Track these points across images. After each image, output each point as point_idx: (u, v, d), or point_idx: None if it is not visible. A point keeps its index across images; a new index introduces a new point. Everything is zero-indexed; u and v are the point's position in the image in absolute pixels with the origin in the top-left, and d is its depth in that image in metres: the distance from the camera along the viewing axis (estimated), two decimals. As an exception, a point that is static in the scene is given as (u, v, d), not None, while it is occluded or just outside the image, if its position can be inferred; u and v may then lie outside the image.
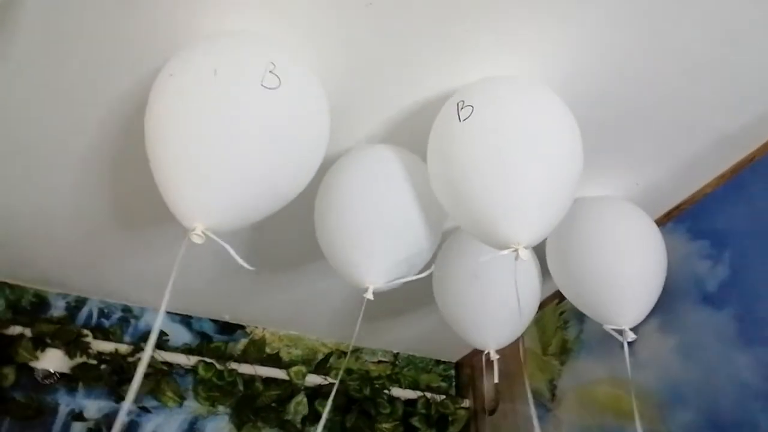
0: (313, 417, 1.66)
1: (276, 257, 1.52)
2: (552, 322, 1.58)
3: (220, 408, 1.63)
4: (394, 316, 1.86)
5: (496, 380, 1.11)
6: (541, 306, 1.65)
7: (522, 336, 1.70)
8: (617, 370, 1.26)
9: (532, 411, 1.14)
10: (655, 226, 1.12)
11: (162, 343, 1.64)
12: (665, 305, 1.17)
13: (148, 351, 0.88)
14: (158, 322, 0.77)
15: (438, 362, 2.08)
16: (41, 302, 1.56)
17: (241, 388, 1.60)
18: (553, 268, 1.17)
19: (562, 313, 1.54)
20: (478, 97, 0.86)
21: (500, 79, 0.91)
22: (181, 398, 1.60)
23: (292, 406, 1.63)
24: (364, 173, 0.97)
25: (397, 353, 2.04)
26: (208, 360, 1.61)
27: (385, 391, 1.79)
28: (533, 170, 0.79)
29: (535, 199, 0.78)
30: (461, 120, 0.83)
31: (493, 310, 1.13)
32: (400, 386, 1.88)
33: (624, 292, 1.03)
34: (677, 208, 1.23)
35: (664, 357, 1.14)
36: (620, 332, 1.05)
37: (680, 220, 1.21)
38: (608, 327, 1.04)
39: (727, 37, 0.88)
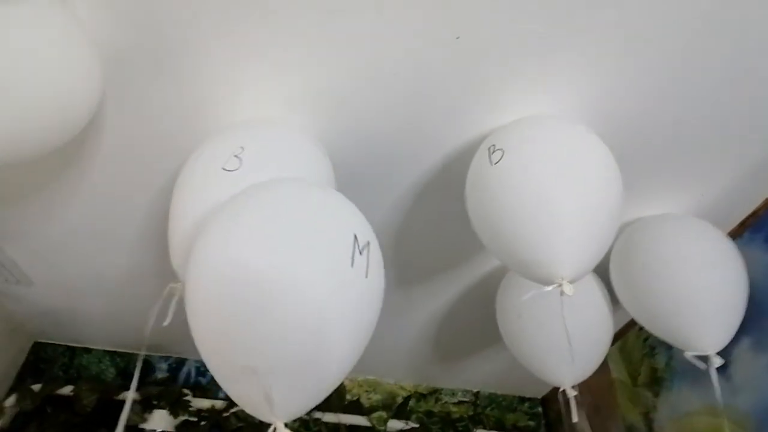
0: (399, 463, 1.66)
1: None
2: (637, 349, 1.48)
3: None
4: (470, 353, 1.84)
5: (575, 419, 1.06)
6: (623, 332, 1.57)
7: (609, 366, 1.63)
8: (713, 397, 1.15)
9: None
10: (727, 238, 1.05)
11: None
12: (755, 322, 1.07)
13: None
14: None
15: (522, 399, 2.00)
16: (147, 366, 1.73)
17: (325, 437, 1.65)
18: (621, 295, 1.13)
19: (646, 339, 1.45)
20: (507, 139, 0.88)
21: (529, 119, 0.93)
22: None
23: (374, 453, 1.64)
24: None
25: (478, 392, 2.00)
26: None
27: (468, 433, 1.75)
28: (568, 203, 0.79)
29: (573, 232, 0.77)
30: (493, 164, 0.86)
31: (561, 346, 1.10)
32: (484, 427, 1.83)
33: (702, 314, 0.97)
34: (753, 215, 1.14)
35: (759, 377, 1.04)
36: (705, 359, 0.97)
37: (756, 229, 1.12)
38: (689, 354, 0.97)
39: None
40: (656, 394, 1.37)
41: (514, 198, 0.82)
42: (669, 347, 1.34)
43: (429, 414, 1.83)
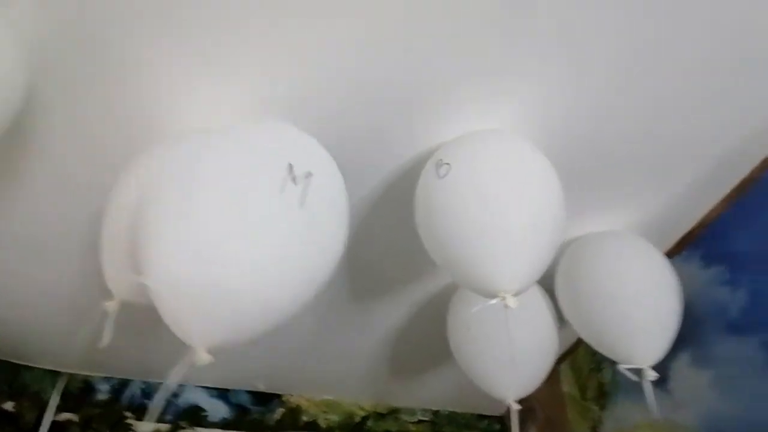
0: (353, 485, 1.63)
1: (306, 315, 1.57)
2: (586, 364, 1.51)
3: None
4: (428, 370, 1.84)
5: (515, 431, 1.07)
6: (574, 348, 1.60)
7: (561, 381, 1.65)
8: (655, 411, 1.19)
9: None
10: (661, 256, 1.09)
11: (200, 419, 1.69)
12: (693, 338, 1.11)
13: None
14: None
15: (482, 417, 2.01)
16: (88, 387, 1.66)
17: (278, 459, 1.61)
18: (567, 310, 1.15)
19: (594, 354, 1.48)
20: (455, 154, 0.90)
21: (476, 134, 0.95)
22: (221, 474, 1.62)
23: (331, 474, 1.61)
24: None
25: (437, 411, 1.99)
26: (245, 433, 1.64)
27: (426, 453, 1.74)
28: (510, 218, 0.81)
29: (515, 246, 0.80)
30: (440, 177, 0.88)
31: (506, 360, 1.11)
32: (441, 446, 1.82)
33: (636, 329, 1.00)
34: (690, 234, 1.20)
35: (702, 393, 1.08)
36: (639, 372, 1.00)
37: (694, 247, 1.17)
38: (623, 367, 1.00)
39: (709, 64, 0.89)
40: (602, 408, 1.39)
41: (459, 212, 0.83)
42: (614, 362, 1.37)
43: (387, 434, 1.81)
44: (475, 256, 0.81)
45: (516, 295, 0.80)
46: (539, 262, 0.83)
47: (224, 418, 1.75)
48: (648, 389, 0.98)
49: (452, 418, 1.98)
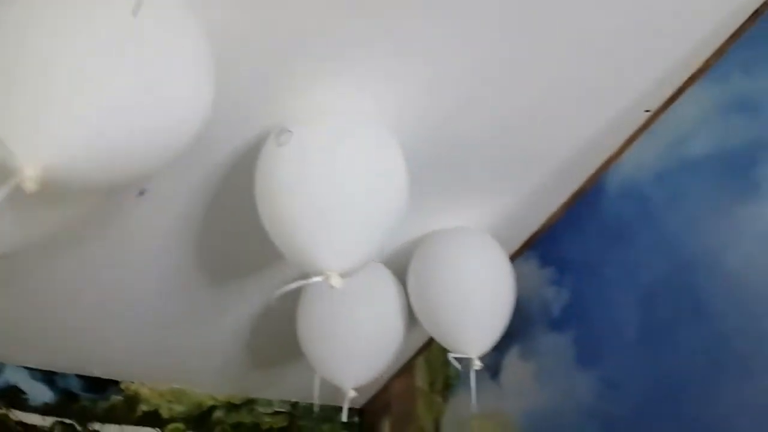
0: (192, 479, 1.52)
1: (152, 301, 1.44)
2: (438, 358, 1.56)
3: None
4: (286, 361, 1.78)
5: (344, 419, 1.06)
6: (431, 343, 1.64)
7: (415, 374, 1.69)
8: (488, 402, 1.25)
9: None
10: (503, 254, 1.15)
11: (19, 402, 1.48)
12: (523, 333, 1.18)
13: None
14: None
15: (339, 409, 1.99)
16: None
17: (104, 452, 1.46)
18: (413, 300, 1.17)
19: (446, 348, 1.53)
20: (297, 124, 0.86)
21: (327, 113, 0.92)
22: (35, 464, 1.44)
23: (165, 468, 1.49)
24: None
25: (296, 403, 1.94)
26: (67, 421, 1.47)
27: (276, 445, 1.68)
28: (342, 196, 0.79)
29: (349, 227, 0.78)
30: (279, 145, 0.83)
31: (348, 347, 1.10)
32: (295, 438, 1.78)
33: (469, 321, 1.04)
34: (533, 237, 1.27)
35: (523, 386, 1.15)
36: (466, 361, 1.04)
37: (534, 248, 1.25)
38: (452, 356, 1.03)
39: (548, 82, 0.94)
40: (445, 400, 1.44)
41: (291, 184, 0.80)
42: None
43: (238, 426, 1.72)
44: (302, 231, 0.77)
45: (343, 275, 0.78)
46: (369, 244, 0.82)
47: (46, 403, 1.55)
48: (473, 378, 1.02)
49: (310, 409, 1.94)
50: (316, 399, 1.12)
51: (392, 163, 0.88)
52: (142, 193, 1.04)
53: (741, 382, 0.70)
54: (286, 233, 0.81)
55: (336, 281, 0.76)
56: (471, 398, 1.32)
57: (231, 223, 1.19)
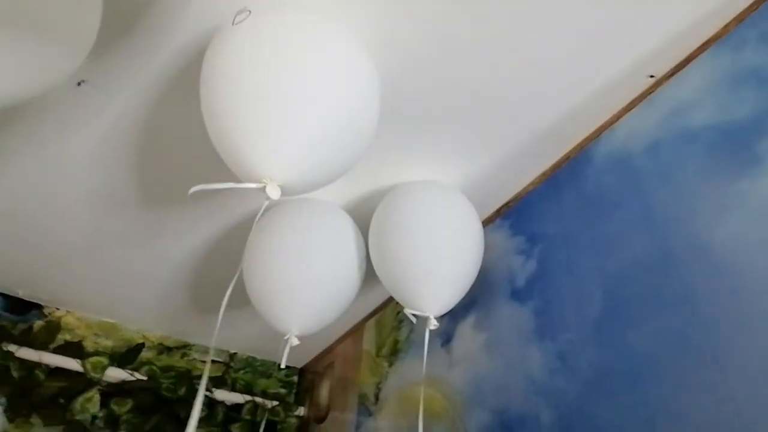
0: (108, 417, 1.42)
1: (86, 219, 1.30)
2: (389, 322, 1.49)
3: (-6, 398, 1.34)
4: (231, 308, 1.68)
5: (283, 365, 0.98)
6: (383, 307, 1.58)
7: (363, 338, 1.62)
8: (435, 370, 1.19)
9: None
10: (475, 215, 1.08)
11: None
12: (482, 301, 1.12)
13: None
14: None
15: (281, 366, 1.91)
16: None
17: (15, 375, 1.33)
18: (373, 253, 1.09)
19: (398, 313, 1.46)
20: (260, 7, 0.74)
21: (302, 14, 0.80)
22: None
23: (78, 402, 1.38)
24: None
25: (235, 353, 1.85)
26: (-21, 338, 1.33)
27: (207, 393, 1.59)
28: (296, 96, 0.68)
29: (299, 135, 0.67)
30: (234, 23, 0.71)
31: (298, 291, 1.01)
32: (228, 389, 1.69)
33: (432, 280, 0.96)
34: (506, 205, 1.21)
35: (474, 354, 1.09)
36: (423, 319, 0.97)
37: (506, 216, 1.18)
38: (409, 311, 0.96)
39: (537, 34, 0.86)
40: (391, 365, 1.38)
41: (239, 69, 0.68)
42: (412, 321, 1.36)
43: (168, 369, 1.62)
44: (242, 127, 0.66)
45: (284, 188, 0.67)
46: (321, 159, 0.70)
47: (-43, 318, 1.41)
48: (427, 337, 0.95)
49: (250, 363, 1.85)
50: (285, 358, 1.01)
51: (361, 69, 0.76)
52: (80, 83, 0.91)
53: (711, 371, 0.65)
54: (224, 127, 0.69)
55: (273, 191, 0.65)
56: (421, 362, 1.26)
57: (179, 135, 1.06)
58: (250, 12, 0.69)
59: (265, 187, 0.64)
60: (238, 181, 0.67)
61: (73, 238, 1.33)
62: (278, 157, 0.65)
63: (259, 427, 1.62)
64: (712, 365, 0.65)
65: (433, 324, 0.95)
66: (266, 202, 0.66)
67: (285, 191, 0.66)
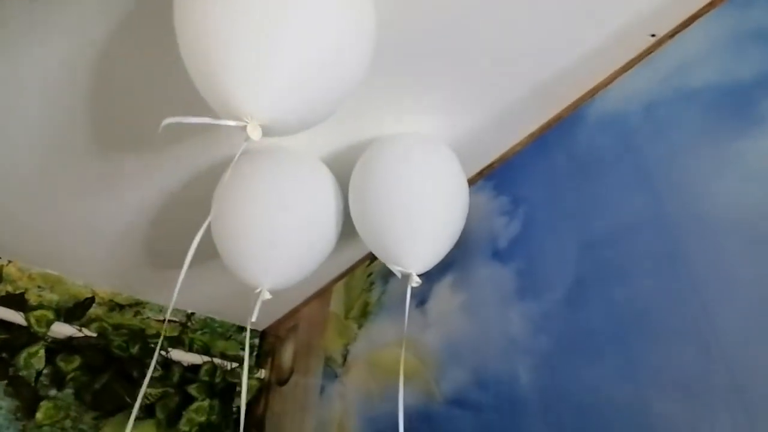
0: (54, 374, 1.32)
1: (32, 163, 1.17)
2: (360, 284, 1.45)
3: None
4: (193, 268, 1.59)
5: (254, 319, 0.92)
6: (352, 269, 1.54)
7: (331, 300, 1.58)
8: (409, 331, 1.16)
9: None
10: (461, 171, 1.04)
11: None
12: (460, 263, 1.10)
13: None
14: None
15: (241, 329, 1.85)
16: None
17: (-54, 328, 1.20)
18: (353, 203, 1.04)
19: (370, 274, 1.43)
20: None
21: None
22: None
23: (23, 357, 1.27)
24: None
25: (192, 313, 1.77)
26: None
27: (162, 353, 1.51)
28: (289, 33, 0.61)
29: (285, 71, 0.61)
30: None
31: (271, 243, 0.95)
32: (185, 349, 1.61)
33: (415, 236, 0.92)
34: (489, 166, 1.18)
35: (450, 315, 1.07)
36: (406, 276, 0.93)
37: (490, 177, 1.16)
38: (396, 267, 0.92)
39: None
40: (360, 326, 1.35)
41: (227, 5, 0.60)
42: (385, 282, 1.33)
43: (119, 327, 1.52)
44: (227, 61, 0.59)
45: (264, 127, 0.61)
46: (306, 94, 0.65)
47: None
48: (409, 294, 0.92)
49: (208, 324, 1.78)
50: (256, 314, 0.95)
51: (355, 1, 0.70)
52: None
53: (701, 329, 0.65)
54: (203, 60, 0.62)
55: (254, 132, 0.60)
56: (393, 324, 1.24)
57: (142, 68, 0.96)
58: None
59: (246, 126, 0.58)
60: (216, 118, 0.60)
61: (16, 180, 1.20)
62: (261, 94, 0.59)
63: (216, 388, 1.56)
64: (703, 323, 0.65)
65: (416, 281, 0.92)
66: (245, 144, 0.59)
67: (267, 131, 0.60)
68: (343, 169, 1.13)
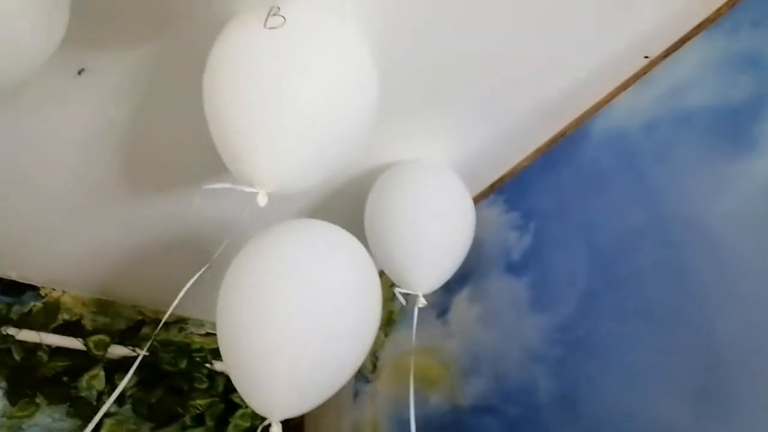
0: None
1: (77, 199, 1.29)
2: (384, 293, 1.53)
3: (-6, 381, 1.36)
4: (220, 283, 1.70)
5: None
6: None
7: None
8: (432, 340, 1.24)
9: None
10: (465, 193, 1.10)
11: None
12: (477, 275, 1.16)
13: None
14: None
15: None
16: None
17: (17, 357, 1.34)
18: (367, 227, 1.11)
19: (391, 285, 1.50)
20: (294, 11, 0.73)
21: (323, 12, 0.79)
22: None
23: (85, 380, 1.40)
24: None
25: (231, 325, 1.89)
26: (-23, 324, 1.33)
27: (207, 365, 1.63)
28: (304, 115, 0.69)
29: (297, 149, 0.69)
30: (266, 26, 0.71)
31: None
32: (227, 360, 1.73)
33: (420, 258, 1.00)
34: (500, 180, 1.23)
35: (470, 325, 1.14)
36: (412, 298, 1.01)
37: (500, 192, 1.21)
38: (398, 290, 1.00)
39: (533, 13, 0.87)
40: (386, 335, 1.43)
41: (266, 71, 0.69)
42: (405, 294, 1.41)
43: (166, 343, 1.65)
44: (245, 135, 0.68)
45: (271, 194, 0.71)
46: (312, 167, 0.75)
47: (-45, 305, 1.40)
48: (415, 315, 0.99)
49: (246, 334, 1.90)
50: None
51: (362, 90, 0.78)
52: (80, 72, 0.89)
53: (702, 340, 0.70)
54: (225, 129, 0.71)
55: (262, 199, 0.69)
56: (412, 335, 1.32)
57: (173, 121, 1.05)
58: (285, 19, 0.69)
59: (257, 193, 0.66)
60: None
61: (65, 219, 1.32)
62: (272, 168, 0.68)
63: (259, 395, 1.68)
64: (704, 334, 0.70)
65: (422, 302, 0.99)
66: (254, 204, 0.69)
67: (273, 196, 0.70)
68: (357, 196, 1.21)
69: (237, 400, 1.62)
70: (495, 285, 1.11)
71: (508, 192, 1.19)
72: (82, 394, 1.41)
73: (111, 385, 1.44)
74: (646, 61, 0.91)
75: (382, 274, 1.56)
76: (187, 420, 1.54)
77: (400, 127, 1.12)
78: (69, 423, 1.39)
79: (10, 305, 1.46)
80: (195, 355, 1.62)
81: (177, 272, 1.60)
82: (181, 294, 0.93)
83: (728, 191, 0.72)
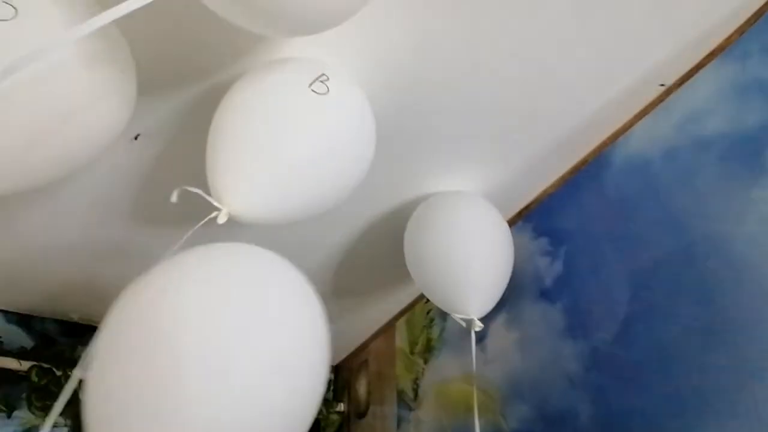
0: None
1: (136, 245, 1.39)
2: (420, 321, 1.57)
3: (59, 419, 1.46)
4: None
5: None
6: (412, 305, 1.66)
7: (395, 335, 1.71)
8: (470, 366, 1.27)
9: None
10: (502, 220, 1.14)
11: (-5, 346, 1.46)
12: (511, 301, 1.19)
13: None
14: None
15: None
16: None
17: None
18: (409, 261, 1.16)
19: (429, 311, 1.54)
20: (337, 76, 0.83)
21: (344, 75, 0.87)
22: (11, 408, 1.42)
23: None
24: None
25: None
26: (45, 365, 1.44)
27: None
28: (288, 158, 0.78)
29: (257, 175, 0.75)
30: (311, 88, 0.79)
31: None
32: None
33: (472, 283, 1.03)
34: (527, 207, 1.27)
35: (508, 352, 1.17)
36: (469, 322, 1.05)
37: (528, 219, 1.25)
38: (457, 316, 1.03)
39: (552, 48, 0.92)
40: (426, 362, 1.46)
41: (237, 121, 0.78)
42: (444, 319, 1.44)
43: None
44: (223, 160, 0.77)
45: (233, 217, 0.75)
46: (285, 200, 0.79)
47: (23, 347, 1.52)
48: (473, 339, 1.03)
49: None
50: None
51: (354, 150, 0.85)
52: (137, 137, 0.99)
53: (733, 363, 0.72)
54: (210, 155, 0.78)
55: (222, 217, 0.73)
56: (456, 359, 1.35)
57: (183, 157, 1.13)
58: (328, 77, 0.78)
59: (220, 210, 0.73)
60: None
61: (124, 262, 1.43)
62: (238, 192, 0.74)
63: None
64: (735, 358, 0.72)
65: (478, 326, 1.02)
66: (214, 217, 0.74)
67: (238, 219, 0.75)
68: (391, 229, 1.26)
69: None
70: (530, 311, 1.13)
71: (536, 218, 1.22)
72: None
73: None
74: (663, 89, 0.94)
75: (417, 301, 1.61)
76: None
77: (428, 162, 1.18)
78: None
79: (73, 347, 1.57)
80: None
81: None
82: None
83: (750, 216, 0.74)
